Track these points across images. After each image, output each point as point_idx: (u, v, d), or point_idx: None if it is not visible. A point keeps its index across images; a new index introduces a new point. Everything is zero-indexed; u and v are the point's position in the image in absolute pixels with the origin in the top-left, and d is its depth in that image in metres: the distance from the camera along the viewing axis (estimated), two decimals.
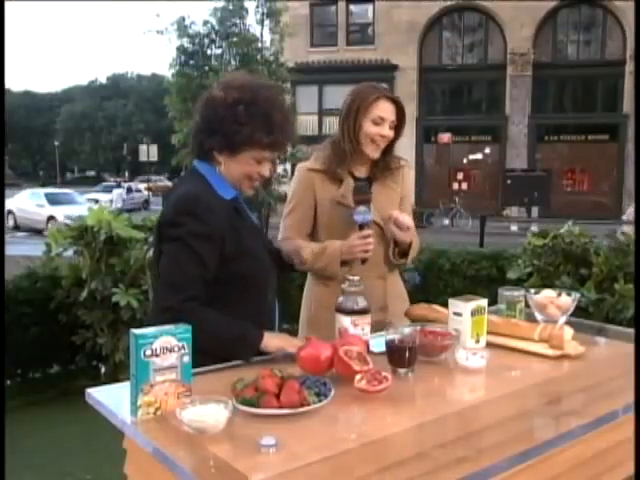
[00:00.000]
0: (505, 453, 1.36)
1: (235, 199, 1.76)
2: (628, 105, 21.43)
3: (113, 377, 3.90)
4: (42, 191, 20.49)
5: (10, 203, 18.99)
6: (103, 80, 58.16)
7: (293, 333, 1.98)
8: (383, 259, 2.20)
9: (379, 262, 2.19)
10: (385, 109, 2.13)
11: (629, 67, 21.17)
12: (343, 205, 2.15)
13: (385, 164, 2.23)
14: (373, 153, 2.17)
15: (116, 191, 25.05)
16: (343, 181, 2.18)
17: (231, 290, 1.71)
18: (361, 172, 2.24)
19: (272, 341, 1.66)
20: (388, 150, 2.22)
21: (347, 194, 2.13)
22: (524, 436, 1.43)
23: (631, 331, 2.14)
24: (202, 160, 1.77)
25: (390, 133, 2.16)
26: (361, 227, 2.06)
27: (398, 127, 2.18)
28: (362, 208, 2.05)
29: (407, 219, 2.09)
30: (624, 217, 9.22)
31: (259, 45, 14.86)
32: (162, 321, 1.73)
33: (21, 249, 9.59)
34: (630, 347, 1.79)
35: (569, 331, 1.70)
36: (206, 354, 1.55)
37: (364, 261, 2.14)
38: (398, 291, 2.31)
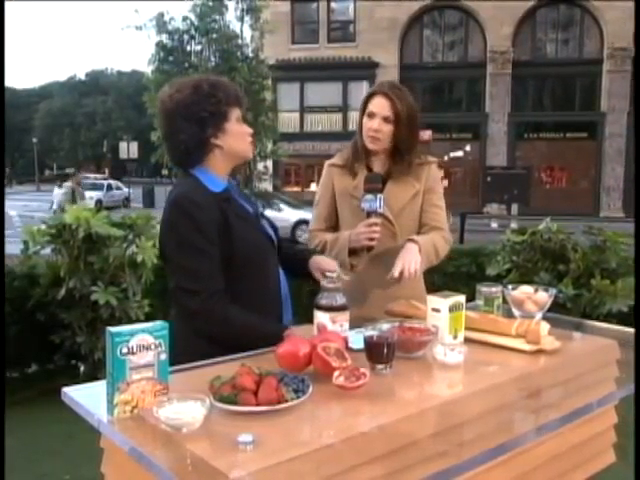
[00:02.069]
0: (483, 447, 1.38)
1: (226, 190, 1.84)
2: (605, 103, 21.71)
3: (93, 376, 3.86)
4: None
5: None
6: (82, 76, 57.52)
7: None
8: (394, 252, 2.17)
9: (391, 255, 2.16)
10: (376, 104, 2.20)
11: (606, 66, 21.45)
12: (354, 197, 2.24)
13: (403, 160, 2.26)
14: (369, 145, 2.24)
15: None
16: (358, 174, 2.26)
17: (231, 278, 1.76)
18: (378, 167, 2.30)
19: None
20: (402, 146, 2.23)
21: (359, 187, 2.22)
22: (502, 430, 1.45)
23: (607, 326, 2.18)
24: (192, 166, 1.86)
25: (383, 127, 2.19)
26: (368, 215, 2.13)
27: (398, 122, 2.18)
28: (369, 196, 2.11)
29: (408, 267, 2.03)
30: None
31: (239, 42, 14.80)
32: (196, 327, 1.75)
33: None
34: (605, 341, 1.82)
35: (545, 326, 1.71)
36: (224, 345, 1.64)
37: (369, 249, 2.17)
38: (413, 287, 2.24)
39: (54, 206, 17.66)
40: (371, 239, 2.12)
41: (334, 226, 2.36)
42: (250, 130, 1.91)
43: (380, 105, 2.19)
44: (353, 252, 2.18)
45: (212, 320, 1.71)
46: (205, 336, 1.74)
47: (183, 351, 1.68)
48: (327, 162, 2.40)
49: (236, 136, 1.85)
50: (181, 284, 1.74)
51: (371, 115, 2.21)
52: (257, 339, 1.69)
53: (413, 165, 2.27)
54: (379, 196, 2.11)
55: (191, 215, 1.72)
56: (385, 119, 2.19)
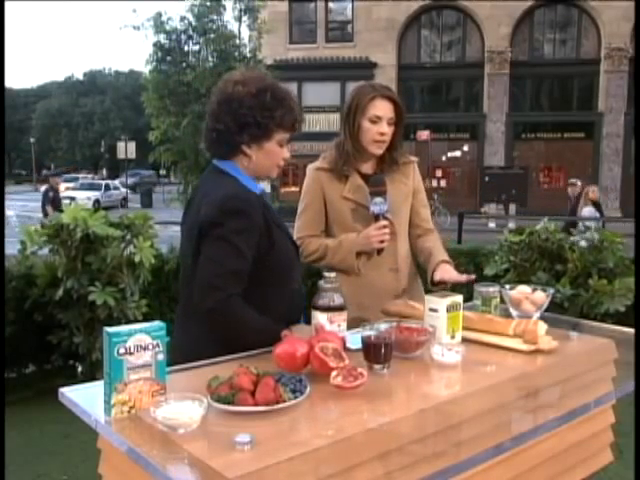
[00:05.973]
0: (481, 446, 1.38)
1: (262, 194, 1.81)
2: (603, 103, 21.72)
3: (90, 376, 3.85)
4: None
5: None
6: (80, 76, 57.33)
7: None
8: (394, 252, 2.26)
9: (391, 255, 2.25)
10: (381, 107, 2.18)
11: (604, 66, 21.46)
12: (349, 200, 2.23)
13: (392, 160, 2.29)
14: (376, 150, 2.23)
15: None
16: (349, 178, 2.25)
17: (259, 284, 1.73)
18: (367, 169, 2.30)
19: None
20: (394, 146, 2.27)
21: (352, 190, 2.23)
22: (500, 430, 1.45)
23: (604, 326, 2.19)
24: (224, 160, 1.80)
25: (389, 130, 2.21)
26: (377, 218, 2.15)
27: (398, 124, 2.23)
28: (378, 199, 2.13)
29: (453, 275, 2.12)
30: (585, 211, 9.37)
31: (237, 42, 14.78)
32: (210, 323, 1.70)
33: None
34: (603, 341, 1.82)
35: (543, 326, 1.71)
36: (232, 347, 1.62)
37: (380, 251, 2.21)
38: (411, 284, 2.33)
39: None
40: (382, 241, 2.16)
41: (322, 231, 2.31)
42: (287, 155, 1.84)
43: (385, 108, 2.19)
44: (358, 254, 2.21)
45: (227, 318, 1.66)
46: (215, 334, 1.69)
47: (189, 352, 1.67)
48: (312, 166, 2.32)
49: (268, 155, 1.78)
50: (207, 278, 1.66)
51: (377, 119, 2.18)
52: (267, 340, 1.64)
53: (399, 164, 2.31)
54: (387, 198, 2.15)
55: (243, 213, 1.68)
56: (389, 121, 2.20)
